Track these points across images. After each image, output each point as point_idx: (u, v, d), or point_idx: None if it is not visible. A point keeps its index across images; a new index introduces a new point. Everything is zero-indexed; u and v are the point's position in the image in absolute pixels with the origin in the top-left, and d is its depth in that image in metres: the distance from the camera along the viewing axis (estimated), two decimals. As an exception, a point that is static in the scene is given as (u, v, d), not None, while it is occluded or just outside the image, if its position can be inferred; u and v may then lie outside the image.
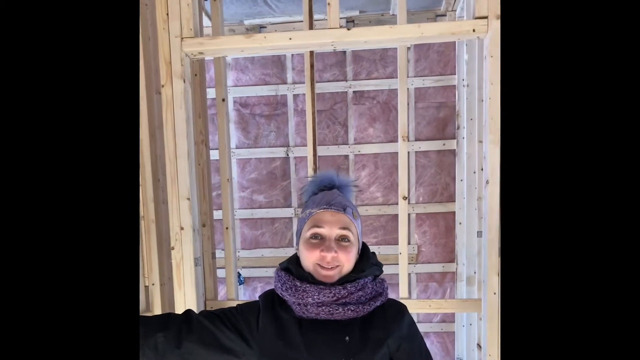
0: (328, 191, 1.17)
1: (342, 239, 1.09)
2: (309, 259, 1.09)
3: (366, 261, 1.14)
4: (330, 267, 1.07)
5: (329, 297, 1.04)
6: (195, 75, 2.06)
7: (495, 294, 1.75)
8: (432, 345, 3.42)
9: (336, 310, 1.04)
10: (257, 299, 1.18)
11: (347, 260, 1.08)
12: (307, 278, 1.08)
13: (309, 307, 1.06)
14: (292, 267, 1.13)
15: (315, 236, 1.09)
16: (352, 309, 1.05)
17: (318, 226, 1.09)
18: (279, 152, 3.39)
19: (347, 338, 1.03)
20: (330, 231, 1.08)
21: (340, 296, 1.05)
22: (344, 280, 1.08)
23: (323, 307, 1.04)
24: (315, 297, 1.05)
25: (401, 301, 1.18)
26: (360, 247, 1.16)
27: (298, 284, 1.07)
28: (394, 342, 1.05)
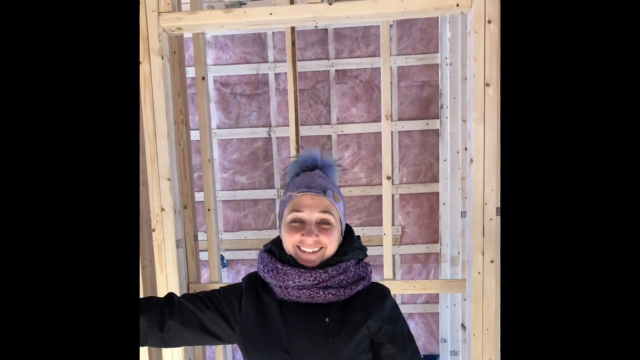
0: (309, 172, 1.15)
1: (323, 222, 1.07)
2: (290, 242, 1.07)
3: (349, 244, 1.13)
4: (311, 250, 1.06)
5: (309, 280, 1.04)
6: (174, 52, 2.00)
7: (479, 273, 1.74)
8: (416, 326, 3.45)
9: (317, 293, 1.03)
10: (241, 281, 1.17)
11: (329, 242, 1.07)
12: (289, 261, 1.07)
13: (289, 290, 1.05)
14: (275, 249, 1.12)
15: (295, 220, 1.07)
16: (333, 292, 1.04)
17: (298, 210, 1.07)
18: (261, 133, 3.34)
19: (327, 320, 1.03)
20: (311, 215, 1.06)
21: (321, 280, 1.04)
22: (325, 264, 1.07)
23: (304, 291, 1.04)
24: (296, 280, 1.04)
25: (385, 283, 1.18)
26: (343, 229, 1.15)
27: (279, 266, 1.06)
28: (375, 324, 1.05)
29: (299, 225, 1.07)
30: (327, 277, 1.04)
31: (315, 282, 1.04)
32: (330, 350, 1.00)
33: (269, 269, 1.07)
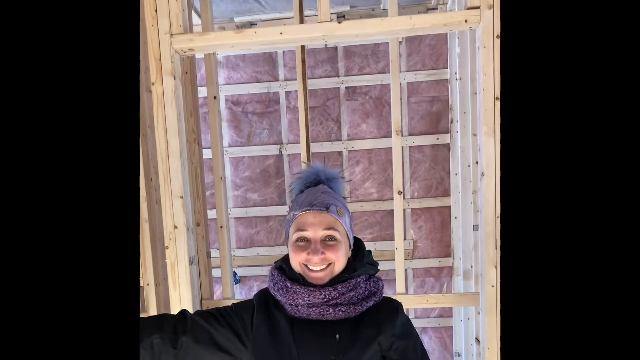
0: (313, 188, 1.14)
1: (328, 238, 1.07)
2: (297, 261, 1.07)
3: (360, 260, 1.12)
4: (319, 268, 1.05)
5: (319, 298, 1.03)
6: (186, 73, 2.04)
7: (492, 286, 1.73)
8: (430, 340, 3.41)
9: (327, 311, 1.03)
10: (253, 297, 1.17)
11: (336, 258, 1.06)
12: (299, 279, 1.07)
13: (299, 307, 1.05)
14: (285, 267, 1.12)
15: (300, 239, 1.07)
16: (343, 309, 1.03)
17: (302, 229, 1.07)
18: (273, 150, 3.37)
19: (337, 336, 1.02)
20: (315, 233, 1.06)
21: (330, 297, 1.03)
22: (335, 281, 1.06)
23: (314, 309, 1.03)
24: (305, 298, 1.04)
25: (398, 297, 1.17)
26: (351, 243, 1.14)
27: (289, 284, 1.06)
28: (386, 340, 1.04)
29: (305, 244, 1.06)
30: (337, 295, 1.04)
31: (325, 300, 1.03)
32: None
33: (279, 287, 1.08)
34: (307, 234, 1.06)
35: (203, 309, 1.65)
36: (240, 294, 3.48)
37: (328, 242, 1.06)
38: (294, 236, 1.08)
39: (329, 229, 1.06)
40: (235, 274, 3.36)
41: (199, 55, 2.30)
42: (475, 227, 2.65)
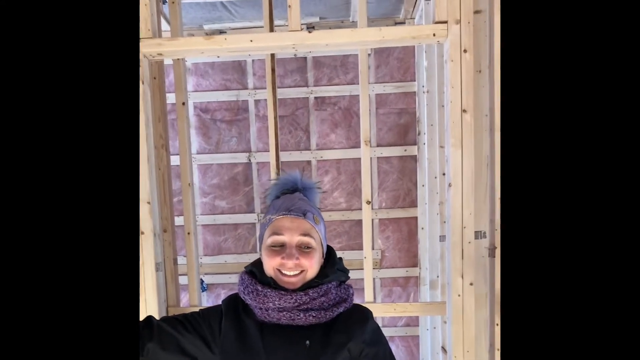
0: (290, 195, 1.15)
1: (304, 245, 1.07)
2: (270, 265, 1.07)
3: (331, 266, 1.12)
4: (292, 273, 1.05)
5: (290, 302, 1.03)
6: (155, 78, 2.01)
7: (459, 296, 1.76)
8: (397, 349, 3.43)
9: (297, 316, 1.03)
10: (221, 303, 1.16)
11: (310, 266, 1.06)
12: (270, 283, 1.07)
13: (270, 312, 1.04)
14: (255, 271, 1.11)
15: (275, 243, 1.07)
16: (314, 315, 1.03)
17: (278, 233, 1.07)
18: (241, 158, 3.35)
19: (307, 342, 1.02)
20: (291, 238, 1.06)
21: (301, 302, 1.03)
22: (306, 286, 1.06)
23: (284, 313, 1.03)
24: (276, 302, 1.03)
25: (366, 306, 1.17)
26: (324, 252, 1.15)
27: (259, 288, 1.06)
28: (356, 347, 1.04)
29: (279, 249, 1.06)
30: (308, 300, 1.03)
31: (296, 304, 1.03)
32: None
33: (249, 290, 1.07)
34: (283, 238, 1.06)
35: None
36: (208, 301, 3.43)
37: (304, 249, 1.06)
38: (269, 240, 1.07)
39: (305, 235, 1.07)
40: (202, 281, 3.31)
41: (167, 61, 2.27)
42: (442, 238, 2.68)
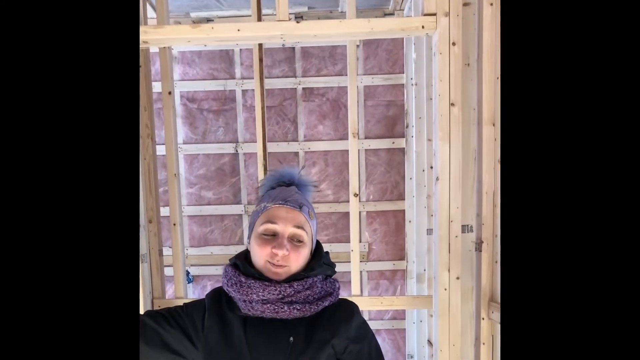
0: (286, 187, 1.14)
1: (295, 238, 1.06)
2: (260, 255, 1.05)
3: (317, 260, 1.11)
4: (279, 264, 1.04)
5: (274, 294, 1.01)
6: (140, 66, 1.98)
7: (445, 289, 1.76)
8: (383, 342, 3.45)
9: (281, 308, 1.01)
10: (204, 297, 1.14)
11: (296, 261, 1.05)
12: (254, 274, 1.05)
13: (254, 304, 1.02)
14: (239, 263, 1.09)
15: (267, 232, 1.05)
16: (298, 308, 1.02)
17: (272, 222, 1.05)
18: (228, 148, 3.32)
19: (291, 338, 1.01)
20: (284, 228, 1.04)
21: (286, 294, 1.01)
22: (291, 278, 1.05)
23: (268, 305, 1.01)
24: (260, 293, 1.01)
25: (353, 299, 1.16)
26: (313, 247, 1.13)
27: (243, 279, 1.04)
28: (341, 343, 1.03)
29: (271, 238, 1.05)
30: (292, 292, 1.02)
31: (280, 296, 1.01)
32: None
33: (233, 282, 1.05)
34: (277, 227, 1.04)
35: (155, 308, 1.61)
36: (194, 293, 3.42)
37: (295, 242, 1.05)
38: (261, 228, 1.06)
39: (298, 227, 1.05)
40: (188, 272, 3.29)
41: (153, 50, 2.24)
42: (429, 231, 2.69)
